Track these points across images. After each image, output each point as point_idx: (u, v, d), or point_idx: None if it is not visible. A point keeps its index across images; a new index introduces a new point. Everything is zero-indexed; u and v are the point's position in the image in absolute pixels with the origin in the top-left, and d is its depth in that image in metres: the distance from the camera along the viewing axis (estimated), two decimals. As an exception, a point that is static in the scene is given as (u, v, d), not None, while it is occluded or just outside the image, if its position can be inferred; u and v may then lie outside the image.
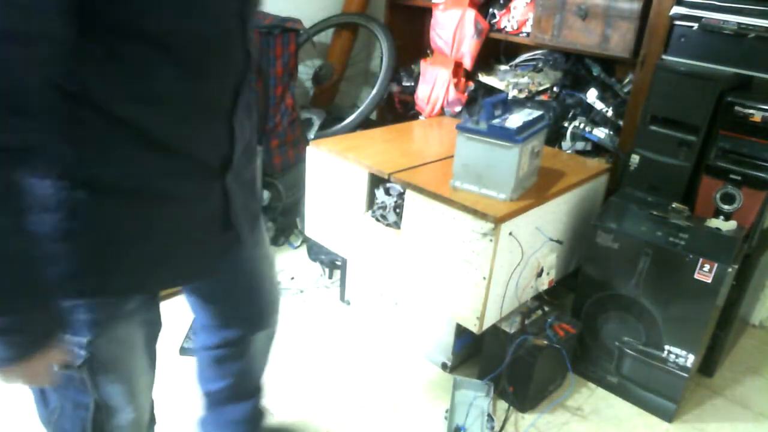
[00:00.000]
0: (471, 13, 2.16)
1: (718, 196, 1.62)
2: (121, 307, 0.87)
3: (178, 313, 1.93)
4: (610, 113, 2.01)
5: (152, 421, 1.15)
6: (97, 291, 0.82)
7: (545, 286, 1.70)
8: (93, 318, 0.84)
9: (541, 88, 2.13)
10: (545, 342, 1.58)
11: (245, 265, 1.09)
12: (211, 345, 1.19)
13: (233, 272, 1.06)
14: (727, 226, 1.58)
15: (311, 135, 2.54)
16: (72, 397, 0.91)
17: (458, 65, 2.28)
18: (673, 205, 1.67)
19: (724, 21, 1.60)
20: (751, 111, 1.53)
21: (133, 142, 0.74)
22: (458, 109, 2.32)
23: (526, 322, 1.64)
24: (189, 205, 0.84)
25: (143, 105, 0.73)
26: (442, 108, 2.35)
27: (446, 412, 1.59)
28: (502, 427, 1.57)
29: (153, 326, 0.99)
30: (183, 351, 1.74)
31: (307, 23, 2.53)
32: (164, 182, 0.80)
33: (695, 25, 1.65)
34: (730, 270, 1.46)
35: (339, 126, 2.55)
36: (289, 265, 2.30)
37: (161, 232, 0.83)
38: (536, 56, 2.21)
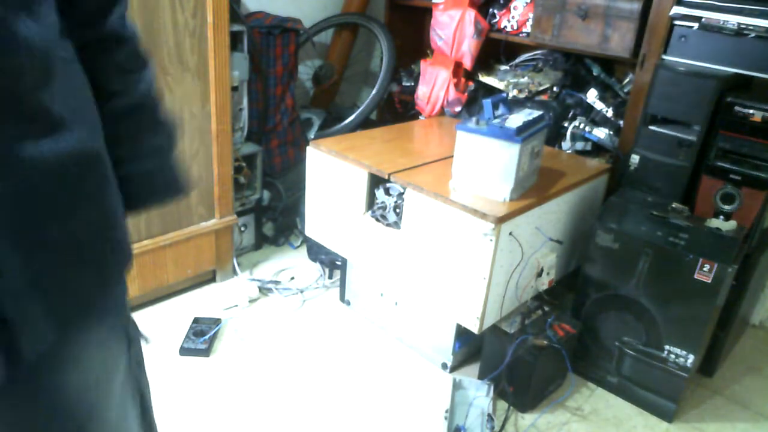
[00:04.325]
0: (471, 13, 2.16)
1: (718, 196, 1.62)
2: None
3: (177, 313, 1.93)
4: (610, 113, 2.01)
5: None
6: None
7: (545, 286, 1.70)
8: None
9: (541, 88, 2.13)
10: (545, 342, 1.58)
11: (58, 390, 0.62)
12: None
13: (32, 401, 0.62)
14: (727, 226, 1.58)
15: (311, 135, 2.54)
16: None
17: (458, 65, 2.29)
18: (673, 205, 1.67)
19: (724, 21, 1.60)
20: (751, 111, 1.53)
21: None
22: (458, 109, 2.32)
23: (526, 322, 1.64)
24: None
25: None
26: (442, 108, 2.35)
27: (446, 412, 1.59)
28: (502, 427, 1.57)
29: None
30: (183, 351, 1.74)
31: (307, 23, 2.53)
32: None
33: (695, 25, 1.65)
34: (730, 270, 1.46)
35: (339, 126, 2.55)
36: (289, 265, 2.30)
37: None
38: (536, 56, 2.21)
